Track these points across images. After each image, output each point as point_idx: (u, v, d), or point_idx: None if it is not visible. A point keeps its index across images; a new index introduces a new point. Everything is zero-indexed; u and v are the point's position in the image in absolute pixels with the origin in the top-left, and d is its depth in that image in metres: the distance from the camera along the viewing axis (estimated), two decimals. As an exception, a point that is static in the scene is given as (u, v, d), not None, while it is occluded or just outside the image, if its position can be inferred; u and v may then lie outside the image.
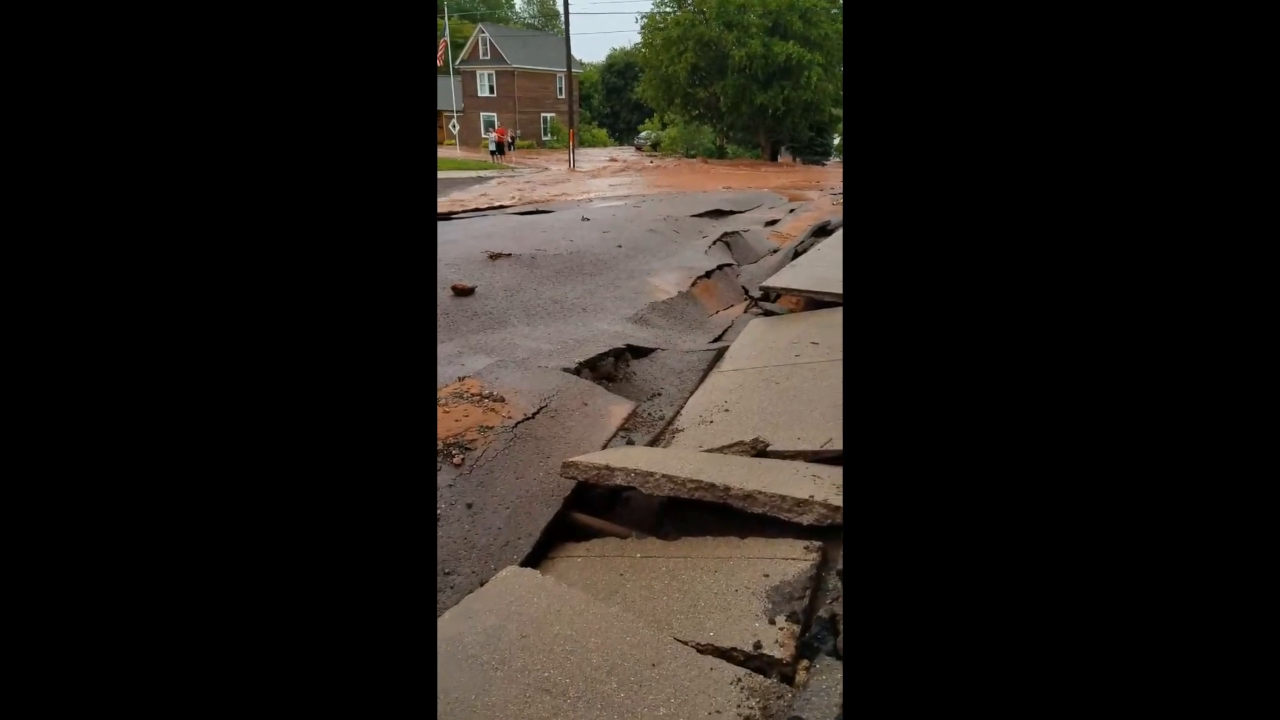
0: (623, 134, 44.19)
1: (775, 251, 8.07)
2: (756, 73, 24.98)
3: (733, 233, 8.31)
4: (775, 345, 4.24)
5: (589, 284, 5.53)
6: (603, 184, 16.93)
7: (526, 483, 2.45)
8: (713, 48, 25.64)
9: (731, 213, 10.78)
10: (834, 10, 25.27)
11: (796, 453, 2.84)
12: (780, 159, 28.69)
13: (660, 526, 2.51)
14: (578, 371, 3.30)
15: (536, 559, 2.31)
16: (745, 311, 5.63)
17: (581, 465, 2.37)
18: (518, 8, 64.47)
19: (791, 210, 11.84)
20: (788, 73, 24.90)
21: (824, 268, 5.42)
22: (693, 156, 28.44)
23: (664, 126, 33.22)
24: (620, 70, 44.56)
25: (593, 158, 28.78)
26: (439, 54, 26.86)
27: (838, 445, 2.79)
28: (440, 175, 19.23)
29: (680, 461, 2.51)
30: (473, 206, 10.91)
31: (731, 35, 24.94)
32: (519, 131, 34.85)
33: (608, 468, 2.33)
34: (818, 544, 2.00)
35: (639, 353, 4.14)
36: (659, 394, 3.79)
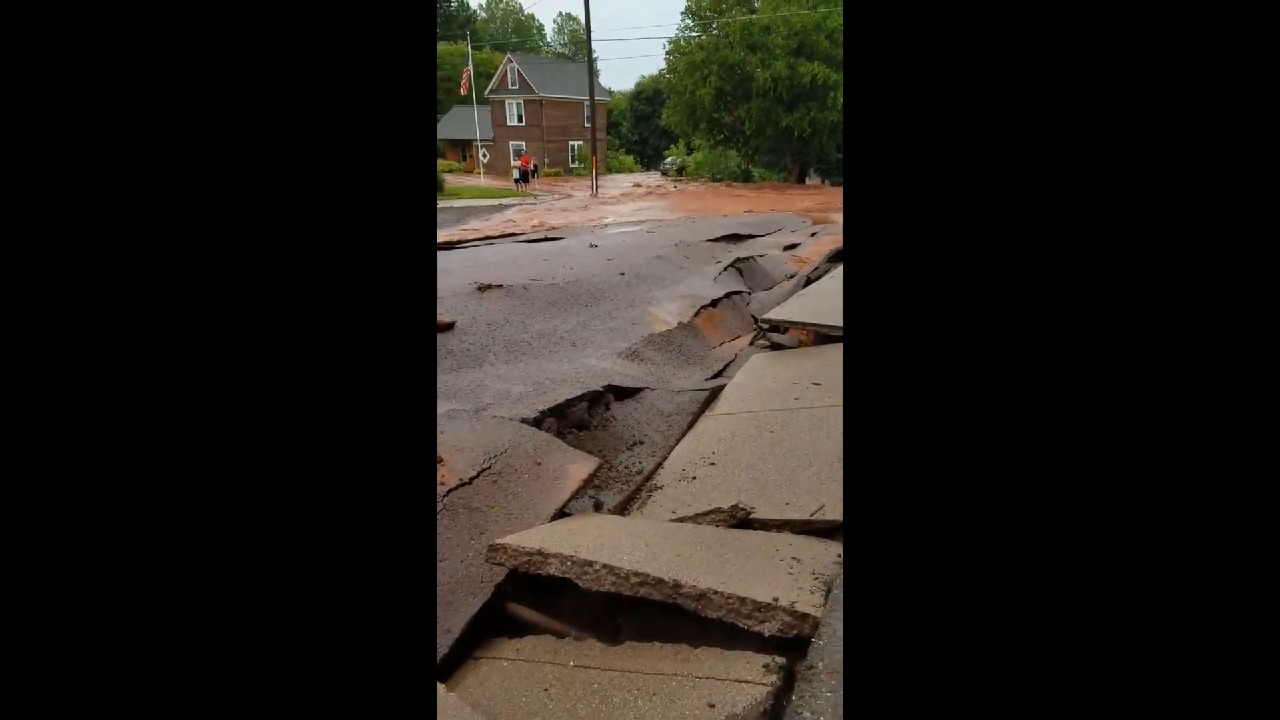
0: (650, 160, 44.33)
1: (792, 277, 7.65)
2: (781, 95, 24.73)
3: (746, 258, 7.92)
4: (775, 385, 3.81)
5: (583, 315, 5.18)
6: (623, 210, 16.71)
7: (451, 567, 2.06)
8: (737, 71, 25.48)
9: (749, 236, 10.42)
10: (860, 30, 24.92)
11: (783, 522, 2.41)
12: (808, 181, 28.27)
13: (614, 617, 2.10)
14: (539, 422, 2.92)
15: (455, 662, 1.92)
16: (751, 344, 5.20)
17: (511, 549, 1.98)
18: (549, 38, 65.72)
19: (813, 234, 11.43)
20: (814, 94, 24.58)
21: (835, 298, 4.98)
22: (719, 180, 28.17)
23: (690, 151, 33.13)
24: (649, 97, 44.85)
25: (618, 184, 28.70)
26: (463, 83, 27.11)
27: (830, 514, 2.36)
28: (463, 204, 19.24)
29: (634, 541, 2.10)
30: (484, 235, 10.71)
31: (755, 58, 24.76)
32: (546, 159, 35.09)
33: (540, 553, 1.94)
34: (780, 661, 1.57)
35: (623, 393, 3.75)
36: (641, 442, 3.38)
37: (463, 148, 38.12)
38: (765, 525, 2.43)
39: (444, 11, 58.62)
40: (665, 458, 3.20)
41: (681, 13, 27.97)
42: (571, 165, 37.40)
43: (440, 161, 35.73)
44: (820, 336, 4.62)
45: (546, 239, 9.32)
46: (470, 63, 27.31)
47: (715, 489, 2.77)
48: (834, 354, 4.15)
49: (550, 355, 4.28)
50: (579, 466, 2.57)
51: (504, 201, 19.90)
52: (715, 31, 26.70)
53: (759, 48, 24.82)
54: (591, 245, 8.19)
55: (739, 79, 25.61)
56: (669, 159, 37.53)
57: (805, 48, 24.67)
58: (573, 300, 5.46)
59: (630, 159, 43.92)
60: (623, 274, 6.45)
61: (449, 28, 53.66)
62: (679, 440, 3.37)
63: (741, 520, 2.45)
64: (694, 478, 2.94)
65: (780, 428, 3.19)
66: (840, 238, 10.28)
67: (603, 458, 3.14)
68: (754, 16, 25.52)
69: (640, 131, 47.40)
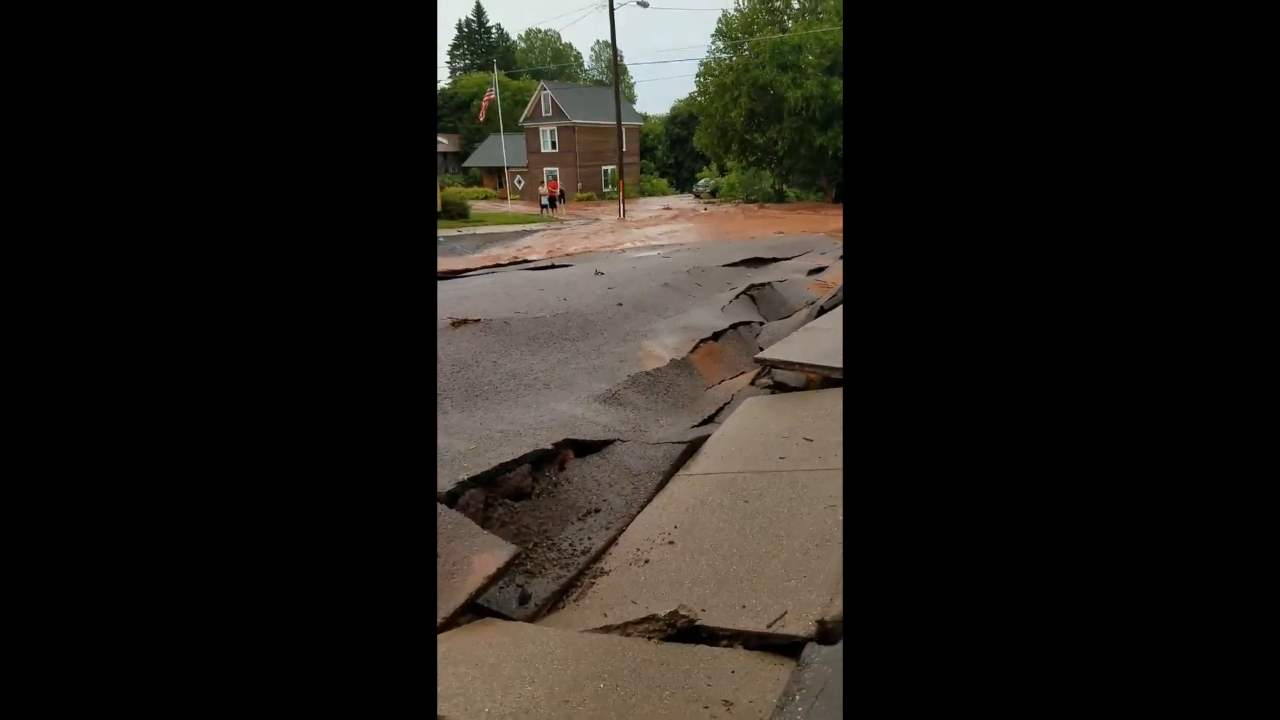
0: (685, 183, 44.14)
1: (812, 304, 7.12)
2: (814, 114, 24.24)
3: (763, 284, 7.41)
4: (763, 438, 3.29)
5: (566, 352, 4.73)
6: (648, 233, 16.35)
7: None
8: (768, 91, 25.09)
9: (772, 260, 9.89)
10: (895, 46, 24.34)
11: (734, 633, 1.91)
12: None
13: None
14: (456, 495, 2.45)
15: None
16: (753, 382, 4.68)
17: (347, 688, 1.51)
18: (586, 65, 66.53)
19: (842, 256, 10.84)
20: (847, 112, 23.99)
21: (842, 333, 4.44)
22: (752, 202, 27.68)
23: (722, 173, 32.79)
24: (684, 121, 44.76)
25: (648, 207, 28.48)
26: (482, 109, 27.16)
27: (791, 625, 1.85)
28: (488, 230, 19.16)
29: (521, 673, 1.61)
30: (492, 263, 10.42)
31: (786, 78, 24.35)
32: (579, 184, 35.12)
33: (380, 697, 1.46)
34: None
35: (586, 448, 3.27)
36: (597, 510, 2.89)
37: (499, 175, 38.52)
38: (713, 636, 1.93)
39: (483, 43, 59.83)
40: (620, 532, 2.70)
41: (712, 34, 27.78)
42: (604, 190, 37.37)
43: (476, 188, 36.07)
44: (827, 378, 4.08)
45: (552, 266, 8.96)
46: (495, 90, 27.33)
47: (665, 580, 2.27)
48: (835, 400, 3.61)
49: (515, 400, 3.84)
50: (487, 558, 2.10)
51: (529, 227, 19.75)
52: (746, 52, 26.39)
53: (790, 67, 24.39)
54: (596, 273, 7.79)
55: (770, 99, 25.20)
56: (701, 181, 37.25)
57: (838, 66, 24.14)
58: (558, 335, 5.03)
59: (663, 182, 43.74)
60: (620, 304, 6.00)
61: (488, 58, 54.67)
62: (642, 507, 2.87)
63: (683, 630, 1.95)
64: (646, 561, 2.44)
65: (757, 497, 2.67)
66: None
67: (544, 534, 2.67)
68: (785, 35, 25.15)
69: (675, 155, 47.32)
